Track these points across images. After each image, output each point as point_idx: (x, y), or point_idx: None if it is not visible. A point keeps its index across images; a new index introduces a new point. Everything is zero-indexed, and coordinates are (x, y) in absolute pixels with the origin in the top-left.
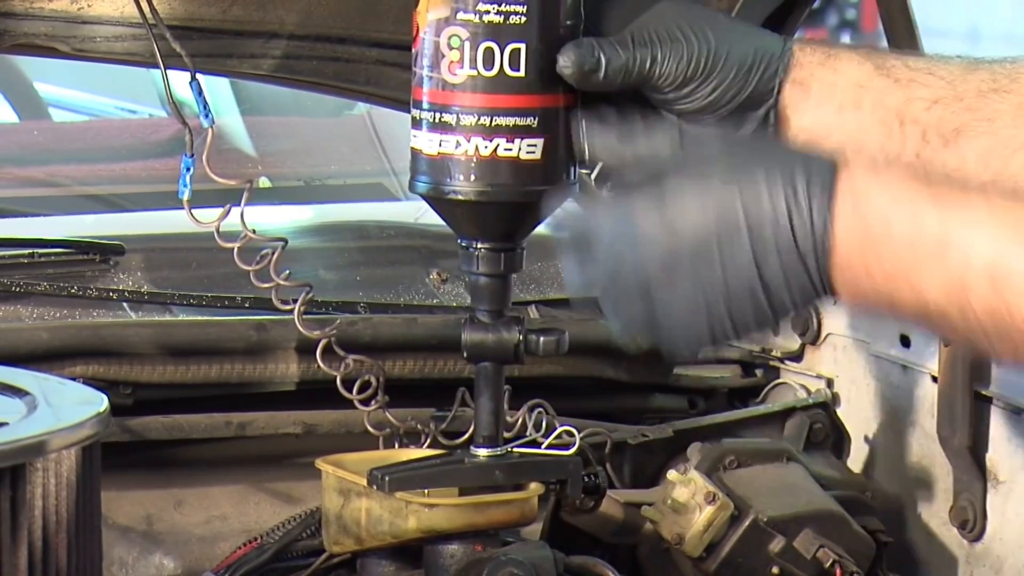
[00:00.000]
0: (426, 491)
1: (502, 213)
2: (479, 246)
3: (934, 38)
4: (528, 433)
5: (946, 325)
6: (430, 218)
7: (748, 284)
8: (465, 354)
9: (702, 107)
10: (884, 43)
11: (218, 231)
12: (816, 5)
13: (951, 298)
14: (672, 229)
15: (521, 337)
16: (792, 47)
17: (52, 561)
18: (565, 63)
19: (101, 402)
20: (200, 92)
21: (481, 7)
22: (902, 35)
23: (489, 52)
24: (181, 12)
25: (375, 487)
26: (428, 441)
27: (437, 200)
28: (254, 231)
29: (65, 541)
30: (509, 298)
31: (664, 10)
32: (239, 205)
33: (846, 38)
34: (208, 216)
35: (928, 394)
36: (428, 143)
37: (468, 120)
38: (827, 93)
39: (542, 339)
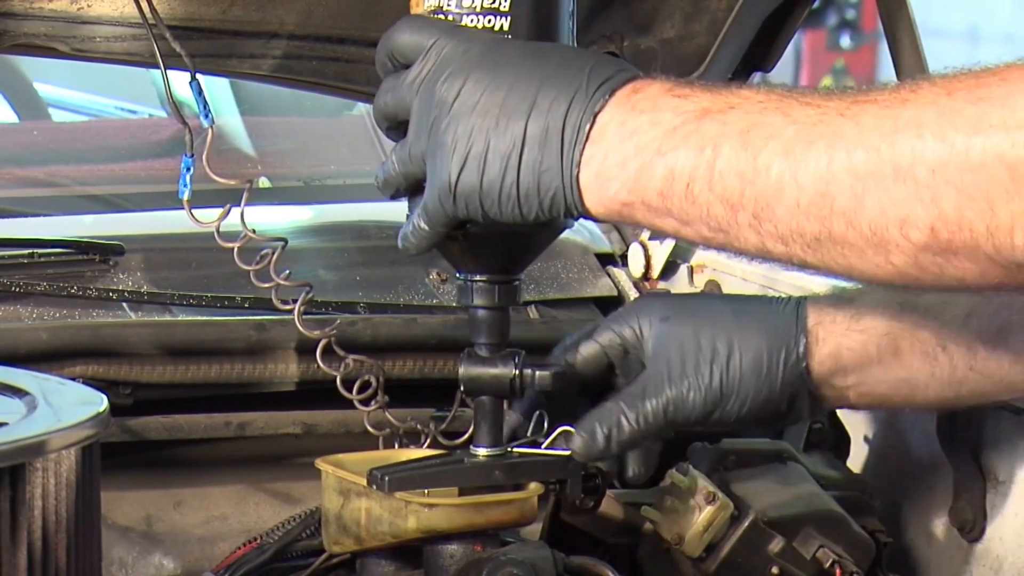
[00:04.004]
0: (426, 491)
1: (493, 246)
2: (474, 279)
3: (934, 38)
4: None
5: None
6: None
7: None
8: (462, 388)
9: (734, 422)
10: (883, 43)
11: (218, 231)
12: (816, 5)
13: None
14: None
15: (517, 372)
16: (807, 325)
17: (52, 561)
18: (575, 441)
19: (101, 402)
20: (200, 92)
21: (465, 21)
22: (902, 35)
23: None
24: (181, 12)
25: (375, 487)
26: (428, 441)
27: None
28: (254, 231)
29: (65, 541)
30: (507, 331)
31: (671, 342)
32: (239, 205)
33: (846, 38)
34: (208, 216)
35: None
36: None
37: None
38: (861, 355)
39: (538, 373)
